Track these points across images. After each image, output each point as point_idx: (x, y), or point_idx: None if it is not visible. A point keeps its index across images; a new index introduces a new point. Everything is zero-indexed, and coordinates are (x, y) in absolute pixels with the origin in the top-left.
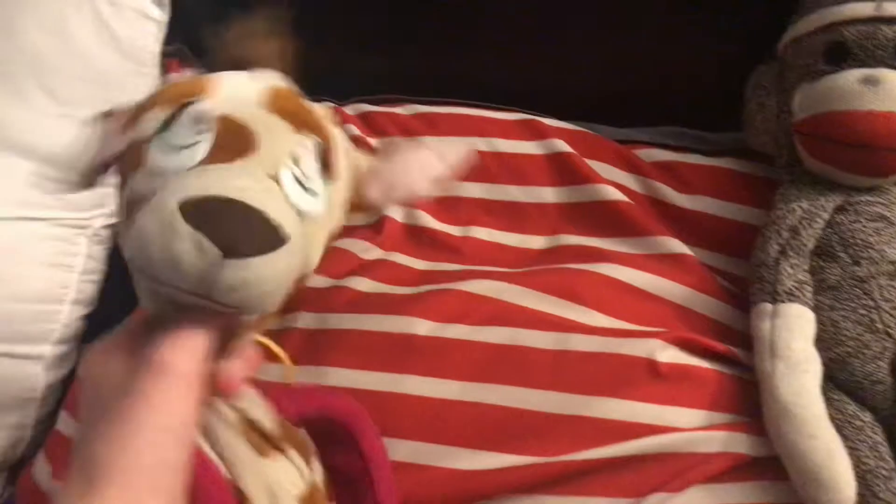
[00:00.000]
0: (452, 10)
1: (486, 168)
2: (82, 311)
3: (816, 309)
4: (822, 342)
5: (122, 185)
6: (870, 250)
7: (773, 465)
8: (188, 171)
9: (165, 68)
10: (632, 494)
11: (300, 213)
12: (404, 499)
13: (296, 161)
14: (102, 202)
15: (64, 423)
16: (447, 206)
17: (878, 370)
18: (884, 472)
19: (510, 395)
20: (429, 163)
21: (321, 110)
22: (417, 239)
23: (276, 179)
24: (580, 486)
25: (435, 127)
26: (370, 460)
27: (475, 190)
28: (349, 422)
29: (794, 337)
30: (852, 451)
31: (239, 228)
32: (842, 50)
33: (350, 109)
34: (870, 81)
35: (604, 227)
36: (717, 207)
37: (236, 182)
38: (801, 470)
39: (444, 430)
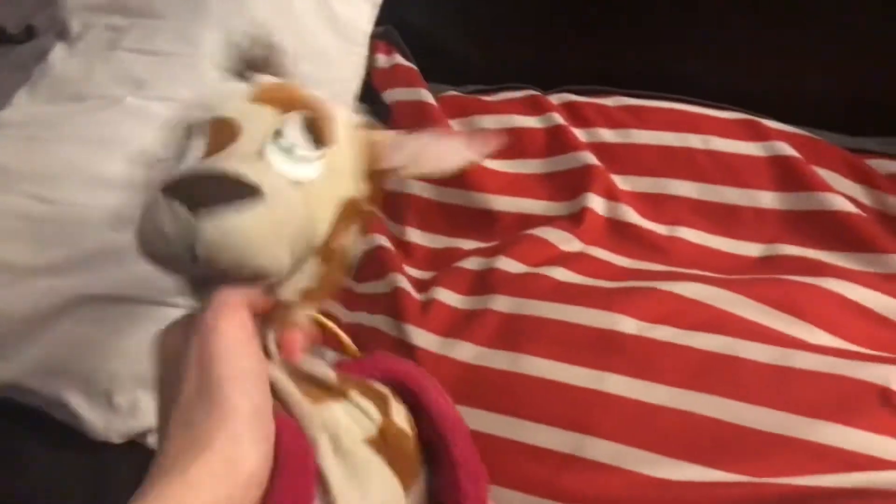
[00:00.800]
0: (671, 4)
1: (698, 166)
2: None
3: None
4: None
5: None
6: None
7: None
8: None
9: (373, 49)
10: None
11: (295, 182)
12: (597, 498)
13: (278, 134)
14: None
15: None
16: (654, 203)
17: None
18: None
19: (723, 408)
20: (457, 143)
21: (314, 92)
22: (620, 234)
23: (259, 154)
24: None
25: (643, 120)
26: (440, 422)
27: (685, 188)
28: (415, 385)
29: None
30: None
31: (209, 189)
32: None
33: (555, 99)
34: None
35: (830, 240)
36: None
37: (216, 164)
38: None
39: (648, 436)
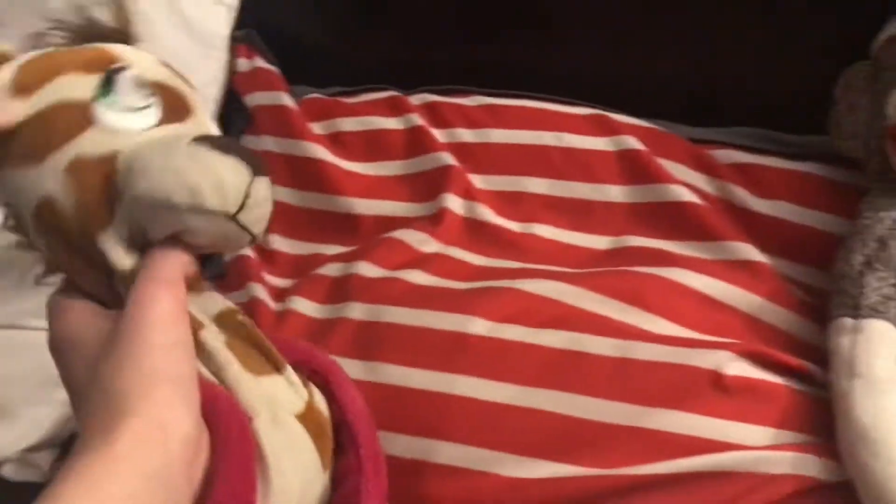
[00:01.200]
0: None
1: (552, 163)
2: None
3: None
4: None
5: (42, 152)
6: None
7: (842, 491)
8: (152, 129)
9: (234, 53)
10: None
11: None
12: (450, 501)
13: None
14: None
15: None
16: (510, 201)
17: None
18: None
19: (568, 403)
20: None
21: None
22: (477, 234)
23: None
24: (635, 501)
25: (500, 119)
26: (347, 408)
27: (539, 185)
28: (328, 374)
29: (876, 355)
30: None
31: (249, 151)
32: None
33: (415, 99)
34: None
35: (674, 230)
36: (796, 214)
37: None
38: (877, 498)
39: (497, 436)
